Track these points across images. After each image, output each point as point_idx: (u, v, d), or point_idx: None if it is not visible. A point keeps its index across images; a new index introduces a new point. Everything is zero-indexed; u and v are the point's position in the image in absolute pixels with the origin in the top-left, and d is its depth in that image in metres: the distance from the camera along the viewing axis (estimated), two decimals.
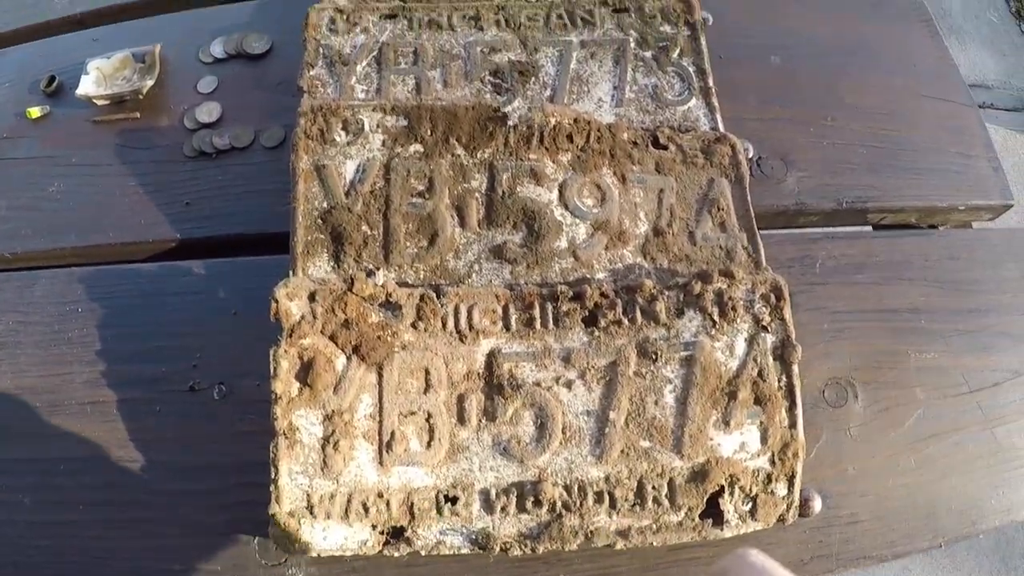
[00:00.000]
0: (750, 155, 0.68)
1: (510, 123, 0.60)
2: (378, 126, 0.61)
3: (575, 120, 0.61)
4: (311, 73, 0.65)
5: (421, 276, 0.58)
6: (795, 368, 0.57)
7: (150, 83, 0.71)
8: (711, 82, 0.67)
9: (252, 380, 0.59)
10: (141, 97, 0.71)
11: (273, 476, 0.53)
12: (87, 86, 0.72)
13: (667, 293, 0.58)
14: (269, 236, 0.64)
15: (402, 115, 0.61)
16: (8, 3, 0.85)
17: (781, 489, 0.56)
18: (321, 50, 0.66)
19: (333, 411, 0.53)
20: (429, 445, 0.54)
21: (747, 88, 0.72)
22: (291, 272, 0.58)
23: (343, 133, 0.61)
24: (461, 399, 0.55)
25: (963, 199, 0.73)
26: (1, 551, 0.59)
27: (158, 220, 0.66)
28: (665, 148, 0.64)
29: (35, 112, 0.75)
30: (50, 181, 0.71)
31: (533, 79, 0.65)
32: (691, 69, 0.68)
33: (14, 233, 0.70)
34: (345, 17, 0.68)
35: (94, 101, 0.72)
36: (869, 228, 0.75)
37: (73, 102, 0.74)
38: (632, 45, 0.68)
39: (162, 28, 0.77)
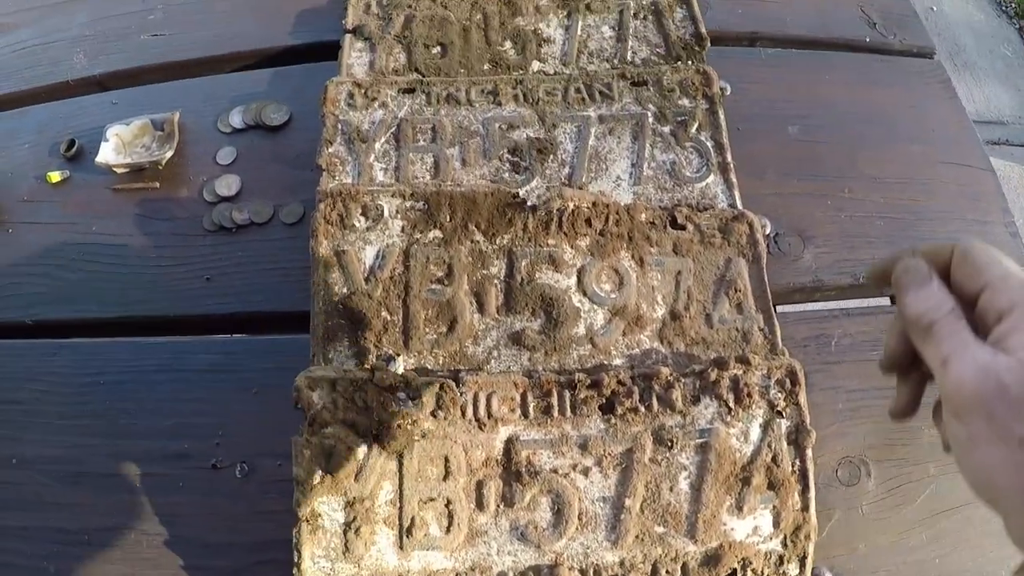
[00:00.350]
0: (767, 231, 0.72)
1: (529, 205, 0.64)
2: (397, 212, 0.65)
3: (594, 204, 0.65)
4: (330, 150, 0.70)
5: (440, 362, 0.62)
6: (809, 452, 0.61)
7: (169, 154, 0.75)
8: (729, 157, 0.71)
9: (273, 460, 0.63)
10: (161, 167, 0.76)
11: (296, 560, 0.57)
12: (107, 154, 0.77)
13: (683, 380, 0.61)
14: (290, 314, 0.68)
15: (421, 200, 0.65)
16: (27, 61, 0.90)
17: (793, 570, 0.60)
18: (340, 126, 0.71)
19: (354, 498, 0.57)
20: (448, 530, 0.58)
21: (765, 161, 0.76)
22: (312, 357, 0.62)
23: (363, 219, 0.65)
24: (480, 485, 0.59)
25: None
26: None
27: (180, 295, 0.71)
28: (683, 228, 0.67)
29: (55, 177, 0.80)
30: (72, 249, 0.76)
31: (551, 157, 0.69)
32: (709, 144, 0.72)
33: (36, 300, 0.74)
34: (363, 91, 0.72)
35: (113, 169, 0.77)
36: (885, 300, 0.78)
37: (93, 167, 0.78)
38: (650, 120, 0.72)
39: (180, 93, 0.82)
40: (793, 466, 0.60)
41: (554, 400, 0.60)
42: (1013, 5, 2.29)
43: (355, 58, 0.76)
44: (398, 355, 0.62)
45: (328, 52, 0.81)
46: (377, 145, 0.70)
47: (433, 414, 0.59)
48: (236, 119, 0.77)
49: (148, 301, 0.71)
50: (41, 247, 0.77)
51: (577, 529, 0.58)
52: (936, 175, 0.80)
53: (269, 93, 0.80)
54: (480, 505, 0.59)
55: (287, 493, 0.60)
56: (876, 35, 0.88)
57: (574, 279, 0.64)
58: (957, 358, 0.35)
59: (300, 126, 0.77)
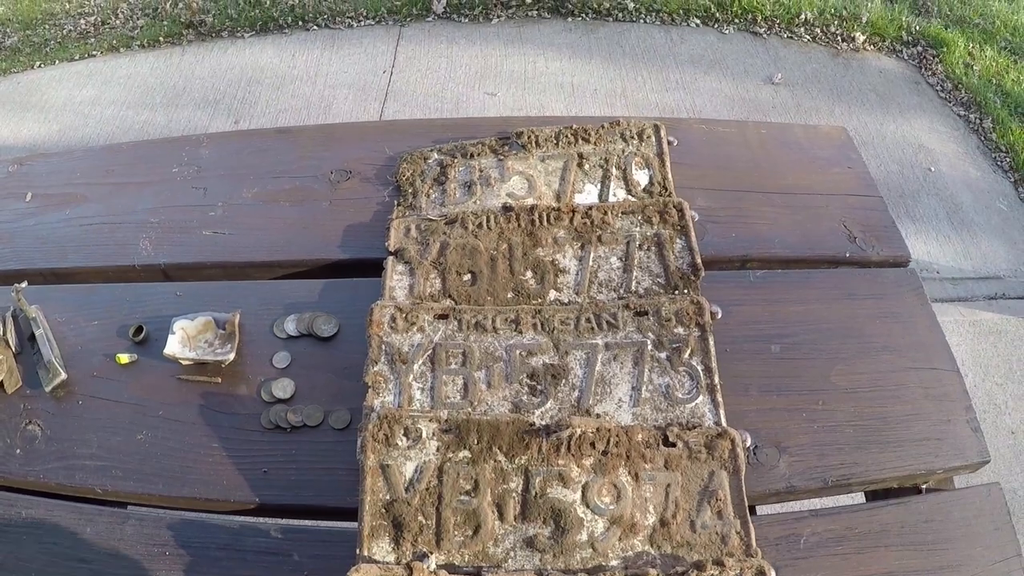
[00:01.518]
0: (748, 444, 0.99)
1: (543, 431, 0.92)
2: (433, 434, 0.93)
3: (597, 430, 0.92)
4: (375, 369, 0.98)
5: (466, 559, 0.88)
6: None
7: (232, 356, 1.03)
8: (716, 379, 0.99)
9: None
10: (223, 366, 1.04)
11: None
12: (173, 346, 1.05)
13: None
14: (336, 508, 0.95)
15: (454, 426, 0.93)
16: (96, 238, 1.19)
17: None
18: (383, 347, 0.99)
19: None
20: None
21: (749, 379, 1.04)
22: (358, 551, 0.88)
23: (404, 438, 0.93)
24: None
25: (942, 463, 1.01)
26: None
27: (239, 483, 0.97)
28: (674, 445, 0.95)
29: (124, 359, 1.07)
30: (139, 429, 1.03)
31: (564, 381, 0.98)
32: (699, 368, 1.00)
33: (105, 472, 1.01)
34: (404, 316, 1.01)
35: (179, 361, 1.04)
36: (856, 498, 1.04)
37: (159, 354, 1.06)
38: (649, 347, 1.00)
39: (239, 294, 1.11)
40: None
41: None
42: (1008, 159, 2.70)
43: (396, 281, 1.06)
44: (431, 553, 0.88)
45: (372, 267, 1.11)
46: (415, 367, 0.98)
47: None
48: (291, 327, 1.06)
49: (211, 485, 0.98)
50: (111, 422, 1.04)
51: None
52: (904, 381, 1.07)
53: (320, 303, 1.09)
54: None
55: None
56: (855, 248, 1.18)
57: (579, 493, 0.91)
58: None
59: (347, 338, 1.06)
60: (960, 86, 2.99)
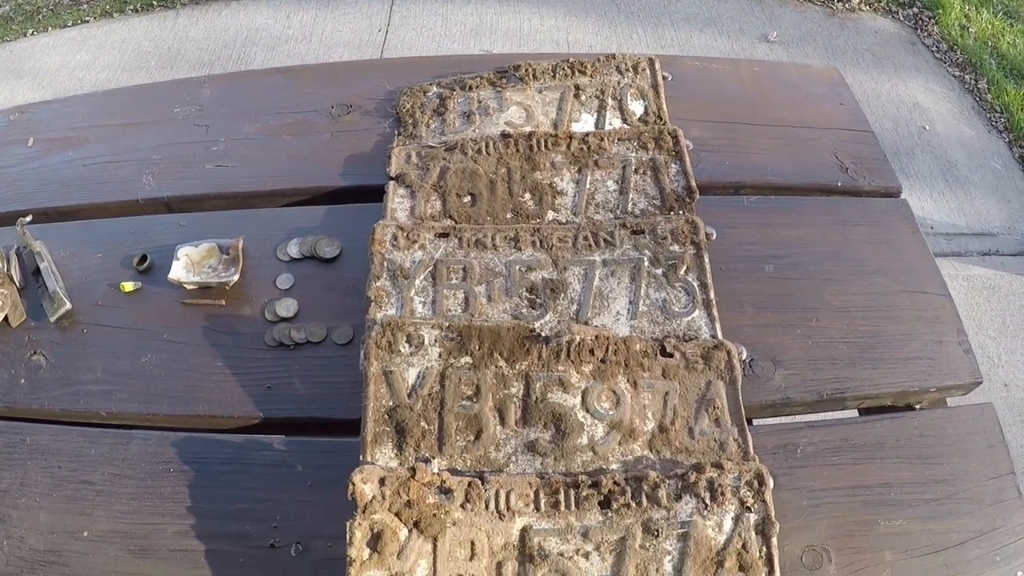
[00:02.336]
0: (744, 357, 1.02)
1: (543, 337, 0.94)
2: (436, 341, 0.96)
3: (596, 337, 0.95)
4: (377, 284, 1.01)
5: (468, 464, 0.91)
6: (774, 540, 0.88)
7: (236, 278, 1.06)
8: (712, 295, 1.02)
9: (324, 541, 0.91)
10: (227, 288, 1.06)
11: None
12: (178, 271, 1.07)
13: (668, 481, 0.90)
14: (340, 421, 0.97)
15: (455, 332, 0.96)
16: (99, 176, 1.22)
17: None
18: (385, 263, 1.02)
19: (396, 573, 0.85)
20: None
21: (744, 296, 1.07)
22: (361, 457, 0.91)
23: (407, 345, 0.95)
24: (500, 565, 0.86)
25: (935, 382, 1.04)
26: None
27: (243, 399, 1.00)
28: (671, 356, 0.97)
29: (128, 287, 1.10)
30: (143, 352, 1.06)
31: (562, 295, 1.00)
32: (695, 284, 1.02)
33: (109, 395, 1.04)
34: (406, 234, 1.04)
35: (183, 285, 1.07)
36: (852, 412, 1.07)
37: (163, 281, 1.09)
38: (646, 263, 1.03)
39: (242, 222, 1.14)
40: (760, 552, 0.88)
41: (561, 497, 0.89)
42: (1003, 120, 2.74)
43: (398, 203, 1.09)
44: (434, 458, 0.91)
45: (373, 194, 1.14)
46: (417, 281, 1.01)
47: (462, 506, 0.88)
48: (293, 250, 1.09)
49: (215, 403, 1.00)
50: (115, 347, 1.07)
51: None
52: (896, 303, 1.10)
53: (322, 228, 1.12)
54: None
55: (337, 570, 0.88)
56: (848, 179, 1.21)
57: (579, 399, 0.94)
58: None
59: (350, 259, 1.09)
60: (956, 47, 3.04)
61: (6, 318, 1.11)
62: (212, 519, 0.94)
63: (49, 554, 0.94)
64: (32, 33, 3.40)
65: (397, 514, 0.87)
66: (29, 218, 1.15)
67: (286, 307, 1.05)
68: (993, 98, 2.80)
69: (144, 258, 1.12)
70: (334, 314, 1.05)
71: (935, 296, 1.12)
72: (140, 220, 1.18)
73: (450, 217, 1.08)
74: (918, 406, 1.07)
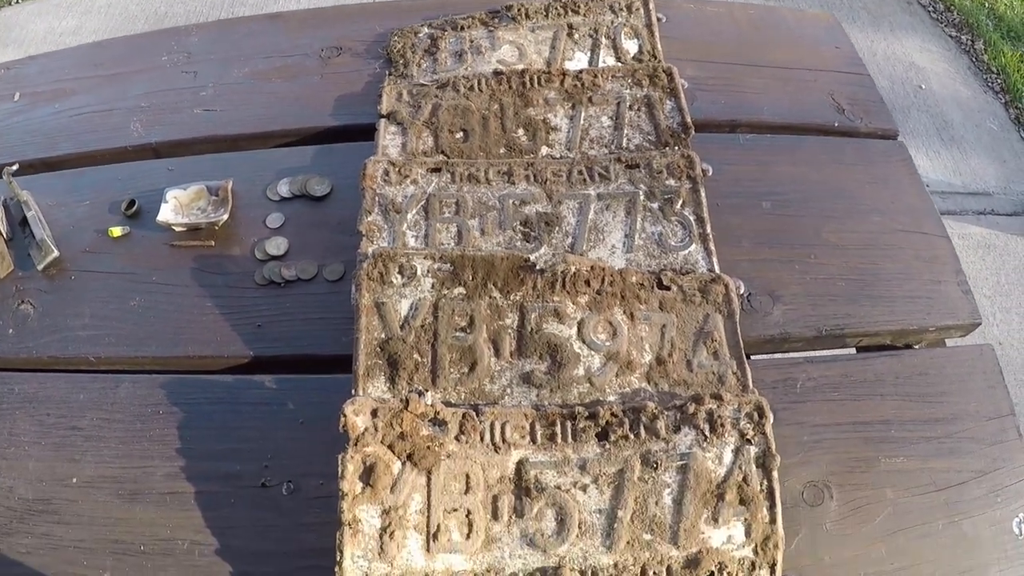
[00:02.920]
0: (741, 292, 0.98)
1: (538, 268, 0.91)
2: (428, 271, 0.92)
3: (592, 268, 0.91)
4: (369, 219, 0.97)
5: (462, 397, 0.87)
6: (774, 474, 0.85)
7: (225, 217, 1.02)
8: (708, 229, 0.98)
9: (316, 480, 0.87)
10: (216, 228, 1.03)
11: (338, 559, 0.81)
12: (166, 214, 1.03)
13: (667, 413, 0.86)
14: (331, 358, 0.93)
15: (448, 263, 0.92)
16: (87, 125, 1.18)
17: (764, 574, 0.83)
18: (377, 198, 0.98)
19: (390, 507, 0.82)
20: (468, 536, 0.82)
21: (741, 232, 1.03)
22: (353, 391, 0.87)
23: (399, 276, 0.91)
24: (495, 499, 0.83)
25: (934, 321, 1.01)
26: None
27: (232, 338, 0.96)
28: (668, 289, 0.94)
29: (116, 231, 1.06)
30: (131, 296, 1.02)
31: (557, 228, 0.97)
32: (692, 218, 0.99)
33: (98, 340, 1.00)
34: (397, 169, 1.00)
35: (172, 227, 1.03)
36: (850, 349, 1.04)
37: (151, 225, 1.05)
38: (642, 197, 1.00)
39: (231, 164, 1.10)
40: (761, 485, 0.84)
41: (558, 429, 0.85)
42: (1000, 81, 2.69)
43: (389, 140, 1.05)
44: (427, 391, 0.87)
45: (364, 133, 1.09)
46: (409, 216, 0.97)
47: (457, 438, 0.84)
48: (283, 189, 1.05)
49: (204, 343, 0.97)
50: (103, 292, 1.03)
51: (577, 536, 0.82)
52: (894, 242, 1.07)
53: (312, 168, 1.08)
54: (495, 516, 0.83)
55: (328, 508, 0.85)
56: (844, 120, 1.18)
57: (575, 330, 0.90)
58: None
59: (341, 197, 1.05)
60: (952, 8, 2.99)
61: None
62: (202, 460, 0.90)
63: (38, 503, 0.90)
64: (16, 2, 3.32)
65: (390, 447, 0.83)
66: (15, 167, 1.10)
67: (276, 245, 1.01)
68: (989, 59, 2.76)
69: (132, 203, 1.08)
70: (325, 251, 1.01)
71: (933, 237, 1.09)
72: (128, 166, 1.14)
73: (442, 153, 1.04)
74: (916, 346, 1.04)
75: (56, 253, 1.05)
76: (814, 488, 0.91)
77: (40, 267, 1.05)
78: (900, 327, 1.01)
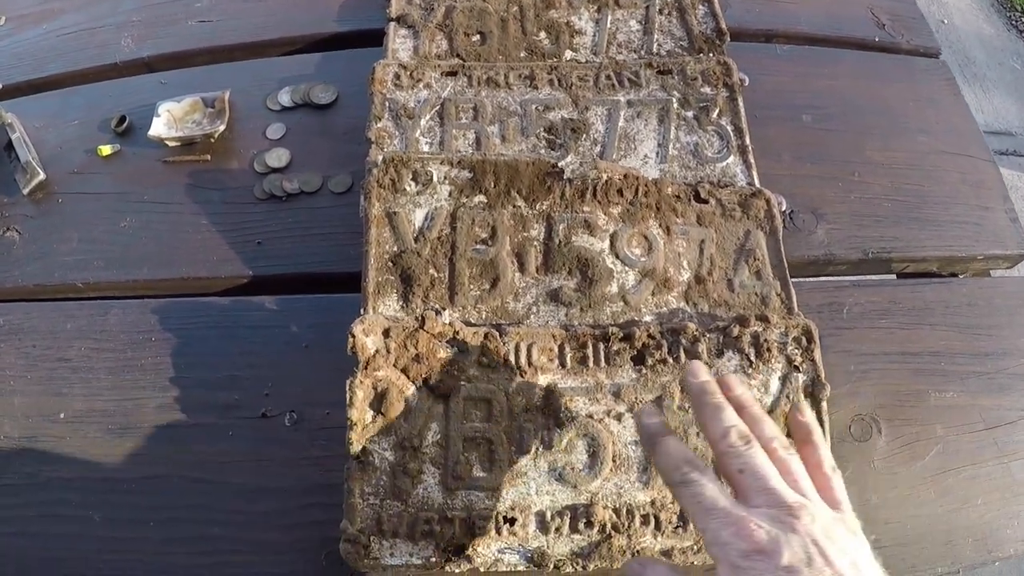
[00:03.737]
0: (783, 208, 0.82)
1: (566, 176, 0.74)
2: (445, 178, 0.75)
3: (624, 176, 0.74)
4: (378, 125, 0.79)
5: (483, 316, 0.70)
6: (824, 404, 0.69)
7: (221, 128, 0.84)
8: (747, 140, 0.81)
9: (322, 409, 0.71)
10: (212, 141, 0.85)
11: (346, 496, 0.65)
12: (159, 127, 0.86)
13: (708, 335, 0.70)
14: (338, 276, 0.77)
15: (467, 168, 0.74)
16: (75, 44, 0.99)
17: None
18: (387, 104, 0.80)
19: (404, 438, 0.65)
20: (490, 470, 0.66)
21: (781, 145, 0.86)
22: (362, 310, 0.70)
23: (413, 183, 0.74)
24: (520, 429, 0.67)
25: (982, 249, 0.85)
26: (72, 564, 0.69)
27: (230, 257, 0.79)
28: (706, 202, 0.77)
29: (106, 150, 0.88)
30: (122, 216, 0.84)
31: (584, 136, 0.79)
32: (729, 128, 0.82)
33: (86, 265, 0.83)
34: (409, 73, 0.82)
35: (165, 142, 0.85)
36: (893, 276, 0.88)
37: (143, 142, 0.87)
38: (675, 105, 0.82)
39: (228, 75, 0.91)
40: None
41: (589, 351, 0.69)
42: None
43: (399, 43, 0.87)
44: (444, 309, 0.70)
45: (372, 39, 0.91)
46: (423, 121, 0.79)
47: (478, 361, 0.68)
48: (285, 98, 0.87)
49: (198, 263, 0.80)
50: (92, 215, 0.85)
51: (611, 471, 0.66)
52: (940, 164, 0.90)
53: (316, 76, 0.89)
54: (520, 447, 0.67)
55: (334, 440, 0.68)
56: (884, 35, 0.99)
57: (607, 243, 0.73)
58: None
59: (347, 104, 0.87)
60: None
61: None
62: (198, 389, 0.74)
63: (24, 440, 0.74)
64: None
65: (404, 370, 0.66)
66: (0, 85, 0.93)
67: (277, 157, 0.83)
68: None
69: (123, 119, 0.89)
70: (330, 162, 0.83)
71: (980, 161, 0.91)
72: (119, 83, 0.95)
73: (458, 56, 0.86)
74: (961, 276, 0.87)
75: (42, 175, 0.87)
76: (861, 422, 0.75)
77: (25, 191, 0.87)
78: (948, 253, 0.85)
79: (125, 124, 0.89)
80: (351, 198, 0.80)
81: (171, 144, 0.85)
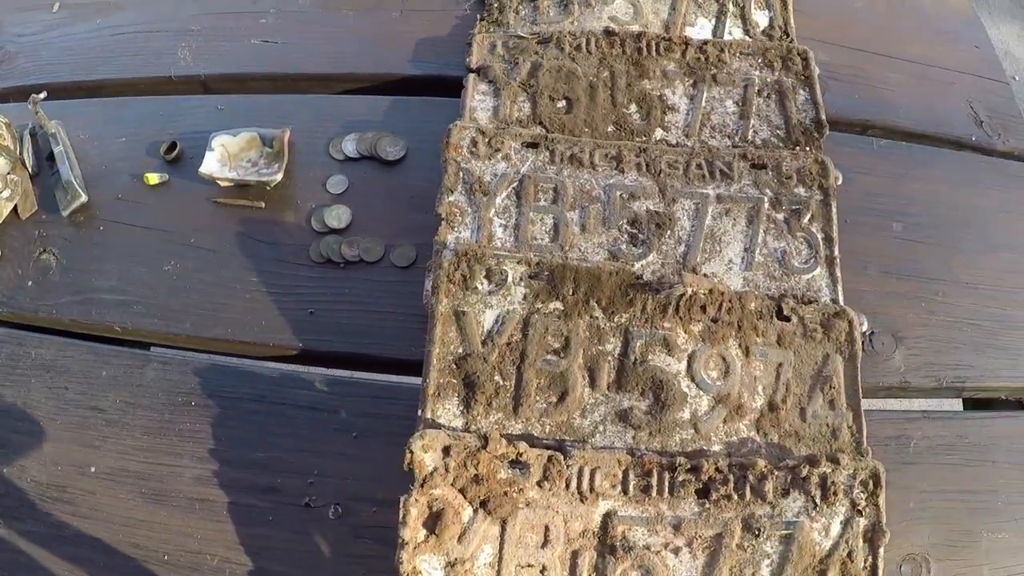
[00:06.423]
0: (864, 329, 0.77)
1: (652, 288, 0.69)
2: (521, 279, 0.70)
3: (710, 291, 0.70)
4: (450, 199, 0.74)
5: (547, 430, 0.67)
6: (881, 551, 0.67)
7: (279, 177, 0.79)
8: (836, 251, 0.77)
9: (369, 506, 0.68)
10: (268, 188, 0.79)
11: None
12: (211, 164, 0.80)
13: (777, 473, 0.67)
14: (394, 361, 0.73)
15: (546, 271, 0.70)
16: (129, 48, 0.93)
17: None
18: (461, 175, 0.75)
19: (456, 559, 0.63)
20: None
21: (868, 256, 0.82)
22: (420, 412, 0.67)
23: (486, 282, 0.70)
24: (575, 555, 0.64)
25: None
26: None
27: (280, 325, 0.75)
28: (788, 320, 0.73)
29: (153, 179, 0.83)
30: (166, 258, 0.80)
31: (668, 232, 0.75)
32: (819, 236, 0.77)
33: (126, 307, 0.79)
34: (487, 140, 0.77)
35: (217, 181, 0.80)
36: (959, 400, 0.85)
37: (193, 175, 0.82)
38: (766, 205, 0.77)
39: (290, 108, 0.86)
40: (865, 562, 0.66)
41: (654, 480, 0.66)
42: None
43: (479, 101, 0.81)
44: (507, 420, 0.67)
45: (448, 87, 0.86)
46: (498, 200, 0.74)
47: (539, 484, 0.65)
48: (350, 147, 0.82)
49: (247, 326, 0.76)
50: (135, 250, 0.81)
51: None
52: (1020, 284, 0.86)
53: (385, 123, 0.84)
54: (573, 574, 0.64)
55: (381, 539, 0.66)
56: (982, 134, 0.94)
57: (684, 364, 0.70)
58: None
59: (416, 163, 0.82)
60: None
61: (15, 208, 0.84)
62: (238, 467, 0.71)
63: (52, 488, 0.72)
64: None
65: (462, 491, 0.63)
66: (43, 95, 0.86)
67: (337, 216, 0.78)
68: None
69: (173, 146, 0.84)
70: (394, 229, 0.79)
71: None
72: (172, 100, 0.90)
73: (541, 124, 0.80)
74: None
75: (84, 198, 0.83)
76: (913, 561, 0.73)
77: (66, 212, 0.83)
78: (1020, 383, 0.81)
79: (176, 152, 0.83)
80: (414, 274, 0.76)
81: (223, 184, 0.80)
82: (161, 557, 0.69)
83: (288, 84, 0.90)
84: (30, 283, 0.82)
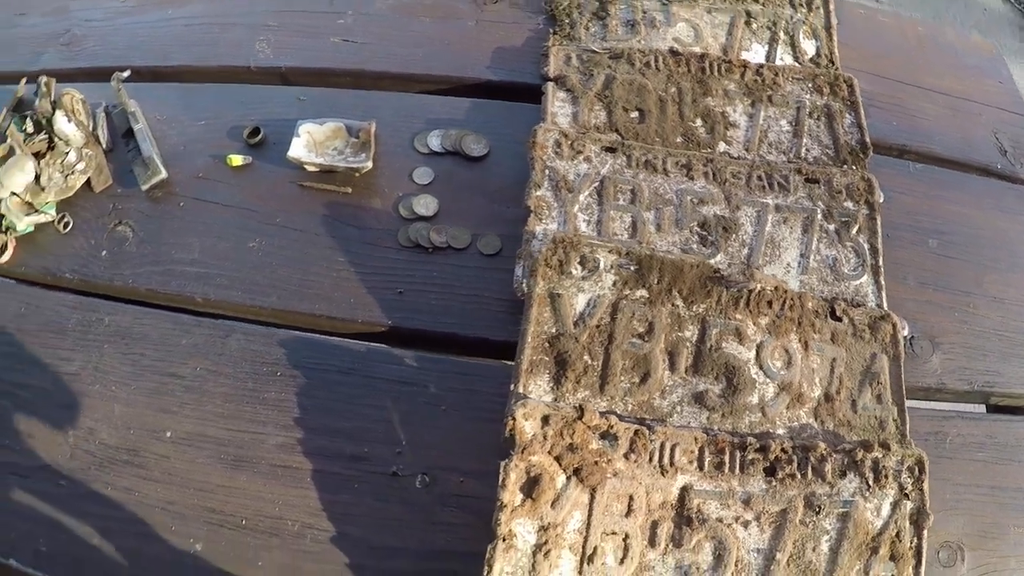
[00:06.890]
0: (906, 334, 0.87)
1: (727, 282, 0.78)
2: (611, 267, 0.78)
3: (776, 288, 0.79)
4: (537, 193, 0.82)
5: (629, 408, 0.75)
6: (925, 532, 0.75)
7: (369, 165, 0.86)
8: (881, 261, 0.86)
9: (456, 476, 0.74)
10: (357, 175, 0.86)
11: (486, 573, 0.68)
12: (298, 149, 0.87)
13: (835, 456, 0.75)
14: (482, 341, 0.80)
15: (634, 261, 0.78)
16: (204, 37, 0.99)
17: None
18: (547, 172, 0.84)
19: (548, 523, 0.69)
20: (622, 562, 0.70)
21: (907, 269, 0.92)
22: (512, 386, 0.74)
23: (580, 267, 0.78)
24: (655, 525, 0.71)
25: None
26: None
27: (368, 303, 0.81)
28: (840, 320, 0.82)
29: (236, 160, 0.89)
30: (250, 235, 0.86)
31: (734, 236, 0.84)
32: (866, 247, 0.87)
33: (207, 279, 0.84)
34: (570, 143, 0.85)
35: (304, 166, 0.87)
36: (984, 405, 0.95)
37: (277, 159, 0.88)
38: (819, 216, 0.87)
39: (372, 104, 0.93)
40: (911, 543, 0.74)
41: (727, 458, 0.74)
42: None
43: (558, 108, 0.90)
44: (593, 397, 0.74)
45: (524, 94, 0.94)
46: (581, 197, 0.83)
47: (626, 456, 0.72)
48: (435, 142, 0.89)
49: (335, 302, 0.82)
50: (218, 227, 0.87)
51: (733, 574, 0.71)
52: None
53: (466, 123, 0.92)
54: (652, 543, 0.71)
55: (467, 508, 0.72)
56: (1006, 163, 1.06)
57: (754, 352, 0.78)
58: None
59: (498, 161, 0.90)
60: None
61: (88, 182, 0.90)
62: (324, 435, 0.76)
63: (122, 451, 0.76)
64: None
65: (558, 458, 0.70)
66: (127, 73, 0.92)
67: (425, 204, 0.86)
68: None
69: (257, 131, 0.91)
70: (479, 220, 0.86)
71: None
72: (251, 89, 0.96)
73: (616, 131, 0.89)
74: None
75: (164, 174, 0.88)
76: (949, 549, 0.81)
77: (144, 187, 0.88)
78: None
79: (259, 136, 0.90)
80: (500, 262, 0.83)
81: (310, 169, 0.87)
82: (239, 521, 0.73)
83: (369, 81, 0.97)
84: (104, 253, 0.86)
